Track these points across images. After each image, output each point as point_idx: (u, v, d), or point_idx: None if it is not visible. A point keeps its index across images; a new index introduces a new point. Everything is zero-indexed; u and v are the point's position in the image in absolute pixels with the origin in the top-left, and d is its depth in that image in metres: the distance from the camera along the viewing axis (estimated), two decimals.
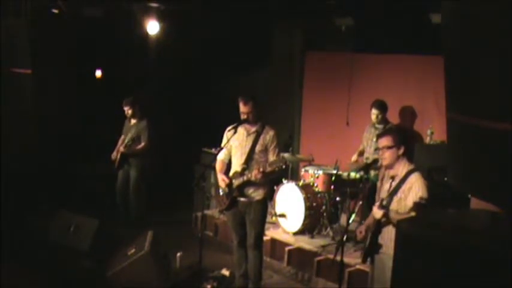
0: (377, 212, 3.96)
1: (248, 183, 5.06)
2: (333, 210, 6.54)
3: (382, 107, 6.41)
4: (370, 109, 6.45)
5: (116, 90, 8.11)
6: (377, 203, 3.99)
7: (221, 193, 5.24)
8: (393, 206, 3.97)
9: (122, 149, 7.16)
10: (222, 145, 5.18)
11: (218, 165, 5.30)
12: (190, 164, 7.70)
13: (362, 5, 6.61)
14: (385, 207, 3.93)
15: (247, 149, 5.09)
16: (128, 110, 7.19)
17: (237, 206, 5.18)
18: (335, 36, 7.43)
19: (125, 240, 5.86)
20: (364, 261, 4.36)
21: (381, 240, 4.07)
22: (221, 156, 5.31)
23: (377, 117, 6.41)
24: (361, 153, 6.72)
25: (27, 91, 6.59)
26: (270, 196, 5.35)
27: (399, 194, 3.99)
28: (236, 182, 5.09)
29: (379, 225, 4.04)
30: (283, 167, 5.05)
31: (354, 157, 6.70)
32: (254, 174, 4.93)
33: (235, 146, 5.18)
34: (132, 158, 7.20)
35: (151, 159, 7.36)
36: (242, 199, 5.14)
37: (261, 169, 4.88)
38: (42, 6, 7.10)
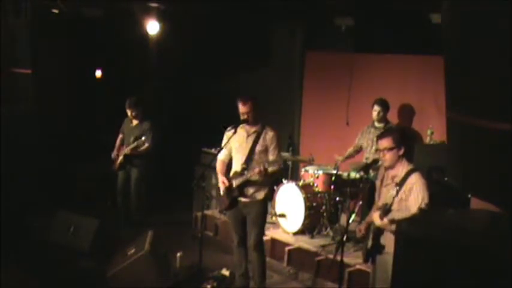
0: (377, 220, 3.96)
1: (248, 183, 5.06)
2: (333, 210, 6.54)
3: (384, 104, 6.40)
4: (372, 106, 6.44)
5: (116, 90, 8.11)
6: (379, 212, 3.96)
7: (222, 193, 5.24)
8: (394, 206, 3.98)
9: (126, 151, 7.11)
10: (222, 145, 5.19)
11: (218, 166, 5.30)
12: (190, 164, 7.70)
13: (362, 5, 6.61)
14: (387, 213, 3.91)
15: (247, 150, 5.09)
16: (131, 112, 7.13)
17: (237, 206, 5.19)
18: (335, 36, 7.42)
19: (125, 240, 5.86)
20: (365, 261, 4.36)
21: (383, 240, 4.07)
22: (221, 157, 5.31)
23: (378, 114, 6.39)
24: (356, 152, 6.68)
25: (27, 91, 6.59)
26: (270, 196, 5.35)
27: (400, 194, 3.99)
28: (236, 182, 5.10)
29: (380, 228, 4.04)
30: (282, 166, 5.07)
31: (348, 151, 6.67)
32: (255, 173, 4.93)
33: (235, 147, 5.19)
34: (135, 159, 7.18)
35: (152, 159, 7.36)
36: (243, 199, 5.15)
37: (262, 168, 4.89)
38: (42, 6, 7.10)
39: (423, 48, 6.31)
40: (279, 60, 8.42)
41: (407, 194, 3.93)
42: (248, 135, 5.13)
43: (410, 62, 6.93)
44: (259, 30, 8.21)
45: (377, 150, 4.44)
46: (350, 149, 6.73)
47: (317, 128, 8.15)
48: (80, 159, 8.10)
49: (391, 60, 7.17)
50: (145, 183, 7.31)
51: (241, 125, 5.13)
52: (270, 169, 4.94)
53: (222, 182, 5.16)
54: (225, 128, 5.22)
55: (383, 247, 4.04)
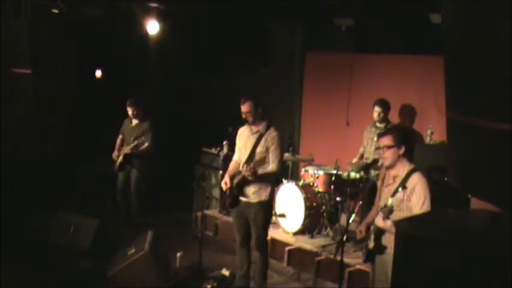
0: (380, 222, 3.94)
1: (247, 182, 5.06)
2: (333, 210, 6.54)
3: (384, 105, 6.40)
4: (373, 107, 6.44)
5: (116, 90, 8.11)
6: (381, 214, 3.94)
7: (225, 191, 5.24)
8: (395, 207, 3.96)
9: (127, 150, 7.11)
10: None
11: (230, 166, 5.33)
12: (190, 164, 7.69)
13: (362, 5, 6.61)
14: (389, 214, 3.90)
15: (248, 149, 5.11)
16: (132, 111, 7.14)
17: (240, 206, 5.18)
18: (335, 36, 7.42)
19: (125, 240, 5.86)
20: (366, 262, 4.36)
21: (383, 241, 4.06)
22: (235, 157, 5.36)
23: (379, 115, 6.39)
24: (361, 156, 6.70)
25: (27, 91, 6.59)
26: (272, 197, 5.32)
27: (401, 195, 3.97)
28: (235, 181, 5.11)
29: (381, 229, 4.03)
30: (277, 169, 5.05)
31: (355, 160, 6.68)
32: (243, 170, 4.94)
33: (239, 146, 5.22)
34: (134, 159, 7.18)
35: (152, 159, 7.36)
36: (244, 199, 5.14)
37: (250, 166, 4.89)
38: (42, 6, 7.10)
39: (423, 48, 6.31)
40: (279, 60, 8.42)
41: (409, 195, 3.92)
42: (251, 135, 5.15)
43: (410, 62, 6.93)
44: (259, 30, 8.21)
45: (377, 148, 4.42)
46: (360, 149, 6.73)
47: (317, 128, 8.15)
48: (80, 159, 8.10)
49: (391, 60, 7.18)
50: (145, 183, 7.31)
51: (246, 125, 5.16)
52: (260, 171, 4.95)
53: (224, 183, 5.16)
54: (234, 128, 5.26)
55: (385, 247, 4.04)
